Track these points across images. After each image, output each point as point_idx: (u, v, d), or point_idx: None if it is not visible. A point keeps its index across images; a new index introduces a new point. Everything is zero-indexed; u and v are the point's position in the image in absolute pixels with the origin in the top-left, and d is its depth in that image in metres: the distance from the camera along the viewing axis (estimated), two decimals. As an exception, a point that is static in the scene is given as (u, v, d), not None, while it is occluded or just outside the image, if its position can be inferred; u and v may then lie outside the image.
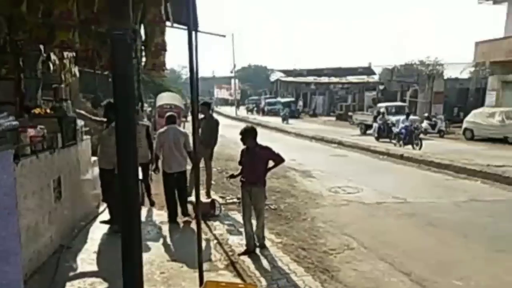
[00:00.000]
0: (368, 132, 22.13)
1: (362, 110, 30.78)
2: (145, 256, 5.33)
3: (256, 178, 5.47)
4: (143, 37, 5.02)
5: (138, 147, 6.59)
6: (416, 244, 6.10)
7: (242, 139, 5.50)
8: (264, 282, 4.66)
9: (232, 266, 5.10)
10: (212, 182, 9.12)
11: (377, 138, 19.30)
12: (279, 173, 10.53)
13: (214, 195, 8.51)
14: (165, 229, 6.53)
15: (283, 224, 7.01)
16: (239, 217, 7.29)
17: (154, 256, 5.34)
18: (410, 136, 16.49)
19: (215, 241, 5.97)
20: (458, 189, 9.59)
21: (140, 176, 7.14)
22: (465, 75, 38.81)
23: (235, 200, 8.51)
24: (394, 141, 17.87)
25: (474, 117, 19.11)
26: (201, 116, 8.83)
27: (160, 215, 7.20)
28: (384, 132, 19.25)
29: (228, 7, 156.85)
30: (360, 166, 13.14)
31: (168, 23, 5.18)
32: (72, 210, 5.81)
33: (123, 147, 2.24)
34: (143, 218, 6.90)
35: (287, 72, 55.36)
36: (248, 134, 5.45)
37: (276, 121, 33.61)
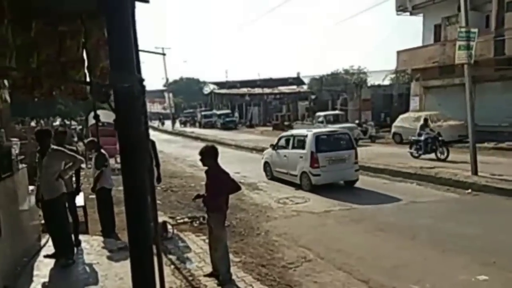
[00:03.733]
0: None
1: (297, 119, 31.65)
2: (100, 291, 5.02)
3: (210, 201, 5.21)
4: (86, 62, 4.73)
5: (65, 177, 6.12)
6: (369, 250, 6.33)
7: (201, 160, 5.24)
8: (230, 306, 4.56)
9: (194, 292, 4.94)
10: (158, 202, 8.81)
11: (424, 153, 14.91)
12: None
13: (163, 216, 8.22)
14: (114, 257, 6.14)
15: (238, 241, 6.94)
16: (193, 237, 7.12)
17: (109, 290, 5.02)
18: (433, 144, 14.64)
19: (172, 266, 5.74)
20: (397, 192, 10.16)
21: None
22: (387, 81, 41.78)
23: (186, 219, 8.31)
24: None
25: (402, 122, 20.41)
26: None
27: (105, 242, 6.81)
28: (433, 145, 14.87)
29: (156, 21, 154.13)
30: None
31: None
32: (13, 247, 5.28)
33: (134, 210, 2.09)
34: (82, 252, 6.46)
35: (220, 84, 55.67)
36: (208, 154, 5.19)
37: (214, 133, 33.50)
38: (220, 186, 5.13)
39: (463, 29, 11.01)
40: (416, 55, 22.63)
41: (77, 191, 6.77)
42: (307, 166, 10.90)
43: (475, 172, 10.46)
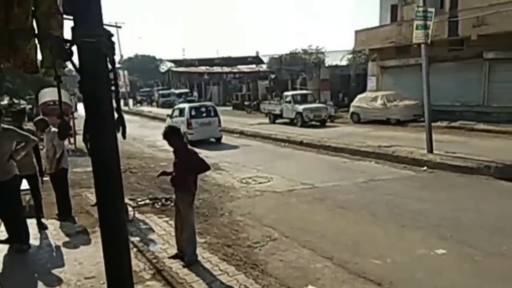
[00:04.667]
0: (277, 121, 22.55)
1: (257, 99, 31.54)
2: (59, 276, 4.79)
3: (179, 182, 5.09)
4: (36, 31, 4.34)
5: (26, 156, 5.83)
6: (332, 227, 6.45)
7: (167, 141, 5.07)
8: (196, 287, 4.48)
9: (159, 275, 4.81)
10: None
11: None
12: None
13: (122, 198, 7.94)
14: (72, 242, 5.89)
15: (202, 222, 6.83)
16: (156, 219, 6.95)
17: (69, 275, 4.79)
18: None
19: (135, 249, 5.56)
20: (356, 171, 10.40)
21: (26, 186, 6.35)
22: (344, 62, 42.40)
23: (147, 201, 8.08)
24: None
25: (359, 102, 20.82)
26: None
27: (61, 226, 6.52)
28: None
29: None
30: (265, 155, 13.48)
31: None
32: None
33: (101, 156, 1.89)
34: (38, 236, 6.15)
35: (178, 62, 54.35)
36: (173, 134, 5.04)
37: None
38: (189, 165, 5.01)
39: (420, 9, 11.21)
40: (374, 35, 23.00)
41: (41, 173, 6.47)
42: (185, 128, 15.37)
43: (430, 150, 10.87)
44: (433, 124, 12.32)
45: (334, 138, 14.80)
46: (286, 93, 23.30)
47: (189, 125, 15.94)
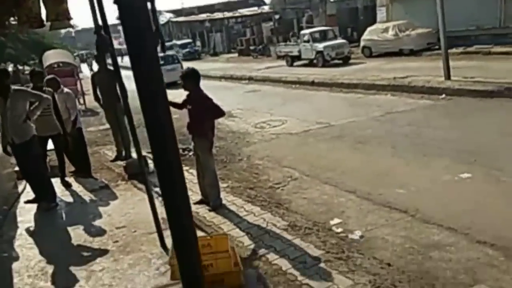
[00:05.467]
0: (295, 64, 21.36)
1: (263, 43, 30.73)
2: (90, 228, 4.92)
3: (195, 127, 5.01)
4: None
5: (49, 116, 5.85)
6: (352, 163, 6.40)
7: (183, 83, 4.92)
8: (225, 229, 4.55)
9: (186, 221, 4.88)
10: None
11: None
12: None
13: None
14: (99, 196, 6.03)
15: (222, 168, 6.85)
16: (175, 169, 6.99)
17: (100, 226, 4.95)
18: None
19: (160, 198, 5.63)
20: (372, 105, 10.19)
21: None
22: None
23: (164, 153, 8.12)
24: None
25: (370, 34, 20.04)
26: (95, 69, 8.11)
27: (84, 183, 6.64)
28: None
29: None
30: (276, 99, 13.27)
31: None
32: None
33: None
34: (65, 193, 6.28)
35: (177, 12, 52.61)
36: (190, 78, 4.86)
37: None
38: (204, 110, 4.89)
39: None
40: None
41: (65, 133, 6.41)
42: None
43: (448, 77, 10.53)
44: (448, 50, 11.86)
45: (347, 75, 14.44)
46: (303, 31, 21.74)
47: None
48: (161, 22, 57.64)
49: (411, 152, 6.47)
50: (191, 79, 4.88)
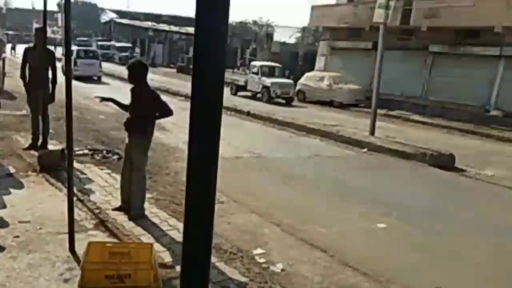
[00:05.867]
0: (239, 94, 20.96)
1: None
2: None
3: (136, 124, 4.62)
4: None
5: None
6: (279, 196, 6.49)
7: (129, 76, 4.60)
8: (145, 242, 4.28)
9: (102, 226, 4.53)
10: (51, 131, 7.86)
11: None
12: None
13: (57, 146, 7.36)
14: (3, 184, 5.38)
15: (147, 179, 6.53)
16: (96, 170, 6.56)
17: (3, 216, 4.38)
18: None
19: (75, 199, 5.18)
20: (302, 145, 10.56)
21: None
22: (293, 40, 42.59)
23: (86, 151, 7.58)
24: None
25: (307, 80, 21.03)
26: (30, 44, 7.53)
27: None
28: None
29: None
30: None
31: None
32: None
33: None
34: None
35: (122, 14, 51.20)
36: (139, 70, 4.57)
37: (111, 67, 30.90)
38: (149, 107, 4.60)
39: (385, -14, 11.20)
40: (329, 12, 23.11)
41: None
42: (72, 67, 18.64)
43: (372, 133, 11.31)
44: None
45: (281, 112, 14.88)
46: (254, 63, 21.63)
47: (75, 64, 19.57)
48: (103, 21, 55.58)
49: (334, 195, 6.75)
50: (138, 71, 4.60)
